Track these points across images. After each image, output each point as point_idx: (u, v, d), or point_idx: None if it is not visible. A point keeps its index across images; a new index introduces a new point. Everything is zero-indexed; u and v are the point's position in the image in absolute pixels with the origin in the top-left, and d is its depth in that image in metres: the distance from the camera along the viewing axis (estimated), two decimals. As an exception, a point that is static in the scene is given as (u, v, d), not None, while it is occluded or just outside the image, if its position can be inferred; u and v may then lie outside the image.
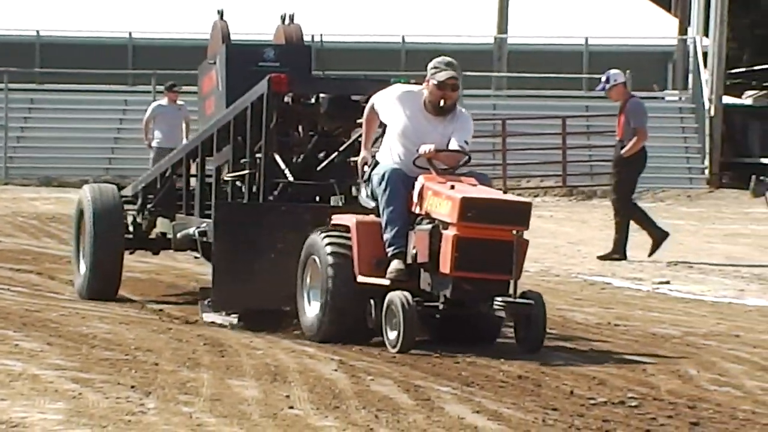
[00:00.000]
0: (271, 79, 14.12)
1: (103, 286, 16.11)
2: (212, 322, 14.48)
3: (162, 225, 16.78)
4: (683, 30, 49.81)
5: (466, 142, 13.37)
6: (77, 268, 16.66)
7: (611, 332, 14.87)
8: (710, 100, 46.30)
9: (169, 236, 16.46)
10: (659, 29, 51.97)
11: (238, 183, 15.00)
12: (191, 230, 15.41)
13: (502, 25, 49.14)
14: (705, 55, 47.35)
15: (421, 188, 12.88)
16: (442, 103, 13.21)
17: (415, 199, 12.98)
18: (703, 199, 42.16)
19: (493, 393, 10.77)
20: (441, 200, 12.72)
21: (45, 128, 44.79)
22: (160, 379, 10.98)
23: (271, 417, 9.73)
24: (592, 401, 10.78)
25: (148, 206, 16.92)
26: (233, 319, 14.25)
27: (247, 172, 14.64)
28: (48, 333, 13.10)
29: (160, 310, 15.49)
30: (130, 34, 47.47)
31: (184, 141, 35.13)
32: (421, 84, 13.50)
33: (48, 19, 47.38)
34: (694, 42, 48.12)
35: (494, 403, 10.43)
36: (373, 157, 13.58)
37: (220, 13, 16.91)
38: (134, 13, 48.83)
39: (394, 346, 12.64)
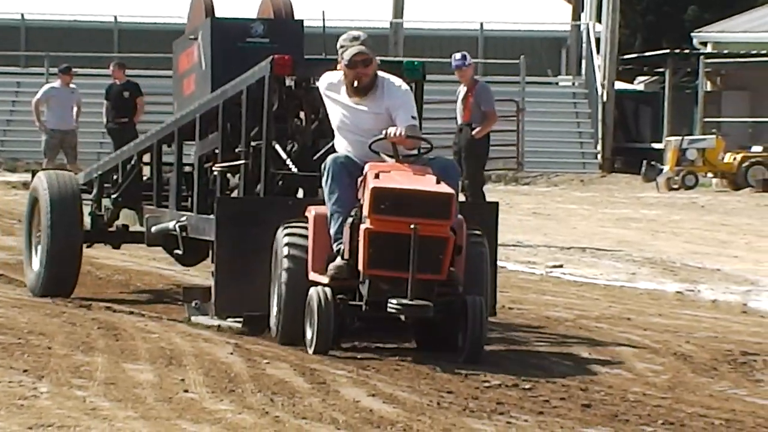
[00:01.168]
0: (275, 61, 12.78)
1: (60, 282, 14.86)
2: (199, 323, 13.47)
3: (126, 217, 15.62)
4: (576, 16, 50.05)
5: (414, 117, 12.33)
6: (29, 262, 15.46)
7: (505, 315, 14.88)
8: (603, 86, 46.56)
9: (133, 229, 15.56)
10: (553, 15, 52.23)
11: (228, 174, 13.84)
12: (170, 224, 14.22)
13: (398, 10, 49.26)
14: (598, 41, 47.61)
15: (364, 176, 11.78)
16: (356, 83, 12.27)
17: (359, 188, 11.91)
18: (596, 183, 42.38)
19: (388, 376, 10.78)
20: (366, 189, 11.66)
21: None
22: (53, 363, 10.92)
23: (166, 401, 9.69)
24: (486, 384, 10.81)
25: (112, 196, 15.61)
26: (234, 323, 13.20)
27: (241, 162, 13.32)
28: (-60, 317, 13.02)
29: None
30: (22, 15, 47.21)
31: (74, 124, 35.25)
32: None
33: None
34: (587, 28, 48.37)
35: (389, 387, 10.43)
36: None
37: None
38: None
39: (310, 346, 11.77)
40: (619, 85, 48.25)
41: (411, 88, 12.87)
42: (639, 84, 52.08)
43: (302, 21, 15.13)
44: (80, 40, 44.67)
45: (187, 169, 14.92)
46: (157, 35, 46.94)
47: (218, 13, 15.15)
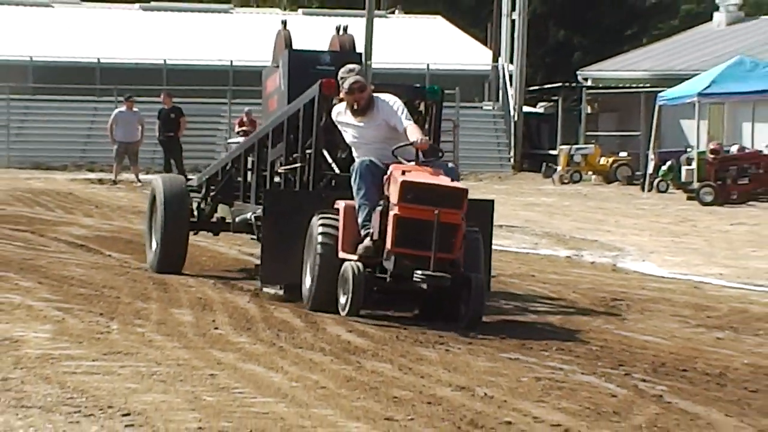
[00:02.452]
0: (322, 84, 11.98)
1: (171, 260, 13.98)
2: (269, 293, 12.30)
3: (222, 211, 14.62)
4: (496, 58, 49.90)
5: (408, 118, 11.50)
6: (149, 245, 14.54)
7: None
8: (514, 109, 46.82)
9: (228, 220, 14.49)
10: (479, 58, 52.01)
11: (290, 175, 12.73)
12: (248, 215, 13.41)
13: (368, 54, 49.09)
14: (510, 77, 47.63)
15: (389, 174, 10.92)
16: (355, 106, 11.50)
17: (384, 183, 11.01)
18: (509, 179, 42.37)
19: (362, 318, 10.74)
20: (392, 184, 10.81)
21: (37, 127, 44.65)
22: (120, 308, 10.89)
23: (201, 335, 9.69)
24: (430, 326, 10.76)
25: (211, 194, 14.68)
26: (280, 291, 12.18)
27: (298, 165, 12.37)
28: (39, 275, 12.95)
29: (126, 262, 15.32)
30: (98, 59, 47.10)
31: (137, 137, 35.31)
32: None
33: (39, 47, 47.00)
34: (503, 68, 48.30)
35: (362, 326, 10.42)
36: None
37: (284, 24, 14.97)
38: (101, 42, 48.48)
39: (343, 309, 10.83)
40: (526, 108, 48.31)
41: (431, 108, 12.46)
42: (540, 107, 52.00)
43: (361, 54, 14.78)
44: (139, 77, 44.46)
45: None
46: (194, 73, 46.82)
47: (295, 46, 14.50)
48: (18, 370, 7.91)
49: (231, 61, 47.57)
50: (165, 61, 47.52)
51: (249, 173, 14.01)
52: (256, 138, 13.91)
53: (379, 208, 10.86)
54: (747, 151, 33.19)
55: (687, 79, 37.38)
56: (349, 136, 11.66)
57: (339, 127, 11.74)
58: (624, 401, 7.58)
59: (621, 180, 38.79)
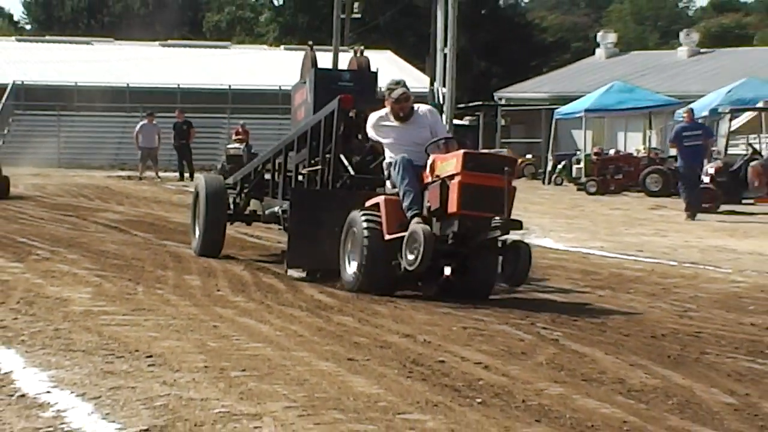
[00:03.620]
0: (341, 99, 11.26)
1: (212, 246, 12.98)
2: (294, 276, 11.28)
3: (253, 205, 13.85)
4: (432, 83, 49.92)
5: (447, 131, 10.84)
6: (193, 233, 13.49)
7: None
8: (447, 122, 46.87)
9: (259, 213, 13.74)
10: (418, 82, 52.01)
11: (312, 176, 11.95)
12: (276, 209, 12.72)
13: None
14: (443, 97, 47.67)
15: (432, 162, 10.06)
16: (401, 113, 10.54)
17: (427, 171, 10.08)
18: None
19: (332, 281, 10.71)
20: (448, 161, 9.88)
21: (80, 136, 44.88)
22: (145, 275, 10.85)
23: (206, 296, 9.66)
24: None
25: (244, 191, 13.81)
26: (303, 274, 11.28)
27: (319, 167, 11.60)
28: (82, 250, 12.90)
29: (149, 240, 15.23)
30: (128, 84, 47.08)
31: (156, 144, 35.52)
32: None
33: (82, 75, 47.03)
34: (438, 90, 48.33)
35: (332, 288, 10.40)
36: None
37: (311, 46, 13.99)
38: (130, 71, 48.46)
39: (411, 265, 9.63)
40: (456, 121, 48.39)
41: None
42: (466, 120, 52.05)
43: (377, 72, 13.73)
44: (158, 97, 44.53)
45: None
46: (201, 94, 46.78)
47: (321, 65, 13.93)
48: (66, 323, 7.89)
49: (230, 86, 48.18)
50: (179, 85, 47.93)
51: (277, 174, 13.24)
52: (283, 144, 13.08)
53: (434, 185, 9.84)
54: (621, 153, 33.63)
55: (577, 99, 37.74)
56: (389, 138, 10.66)
57: (378, 130, 10.74)
58: (530, 344, 7.60)
59: (527, 176, 38.94)
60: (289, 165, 12.81)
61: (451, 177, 9.75)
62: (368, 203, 10.39)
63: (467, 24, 54.14)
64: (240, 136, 38.30)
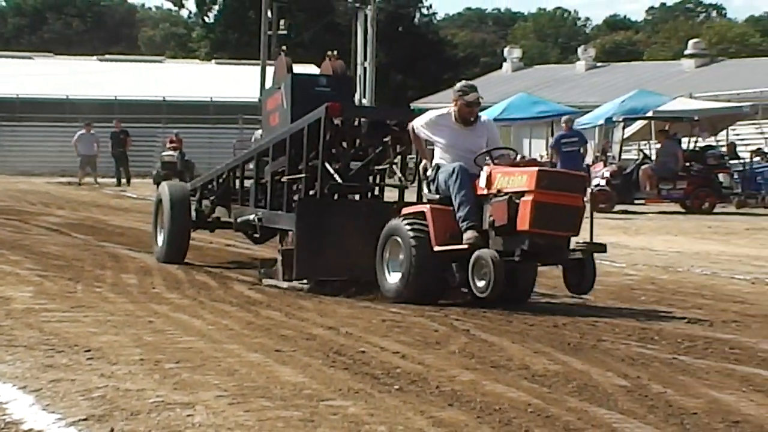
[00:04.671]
0: (328, 107, 10.28)
1: (176, 253, 12.25)
2: (271, 285, 10.57)
3: (219, 212, 12.76)
4: (353, 94, 50.17)
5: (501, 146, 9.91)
6: (156, 240, 12.70)
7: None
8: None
9: (223, 220, 12.64)
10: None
11: (293, 184, 10.96)
12: (251, 217, 11.53)
13: (263, 87, 48.90)
14: (363, 108, 47.94)
15: (489, 174, 9.17)
16: (470, 118, 9.64)
17: (482, 184, 9.19)
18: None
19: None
20: (515, 176, 9.01)
21: (22, 145, 44.48)
22: (84, 274, 10.73)
23: (143, 293, 9.57)
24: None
25: (210, 198, 12.76)
26: (297, 284, 10.26)
27: (303, 176, 10.62)
28: (25, 251, 12.72)
29: (89, 241, 15.04)
30: (67, 96, 46.59)
31: (95, 151, 35.28)
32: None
33: (24, 87, 46.46)
34: (360, 100, 48.38)
35: (259, 285, 10.32)
36: (437, 165, 9.68)
37: (284, 51, 12.82)
38: (69, 84, 47.93)
39: (482, 292, 8.82)
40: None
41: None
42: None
43: (353, 77, 12.92)
44: (97, 108, 44.13)
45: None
46: (137, 105, 46.36)
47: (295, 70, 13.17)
48: (8, 320, 7.76)
49: (164, 97, 47.94)
50: (116, 97, 47.60)
51: (244, 181, 12.32)
52: (255, 152, 12.12)
53: (500, 200, 8.97)
54: (526, 158, 33.86)
55: (486, 109, 37.84)
56: (445, 138, 9.66)
57: (433, 129, 9.73)
58: (443, 334, 7.62)
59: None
60: (263, 173, 11.85)
61: (522, 194, 8.91)
62: (406, 211, 9.53)
63: (385, 40, 54.25)
64: (174, 144, 38.08)
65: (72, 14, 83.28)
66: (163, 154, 38.32)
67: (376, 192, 11.22)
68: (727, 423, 5.23)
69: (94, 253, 13.00)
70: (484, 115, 10.07)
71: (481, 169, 9.32)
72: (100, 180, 34.48)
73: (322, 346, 6.97)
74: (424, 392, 5.69)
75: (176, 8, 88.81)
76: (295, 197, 10.71)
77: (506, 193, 8.96)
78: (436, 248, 9.11)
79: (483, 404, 5.42)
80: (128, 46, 77.60)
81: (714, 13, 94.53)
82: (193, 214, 12.73)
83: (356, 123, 10.86)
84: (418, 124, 9.81)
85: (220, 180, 12.78)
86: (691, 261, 13.60)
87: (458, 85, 9.81)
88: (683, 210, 24.14)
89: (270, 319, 8.18)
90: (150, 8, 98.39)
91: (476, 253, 8.86)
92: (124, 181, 34.63)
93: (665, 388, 5.92)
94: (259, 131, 28.31)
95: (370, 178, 11.01)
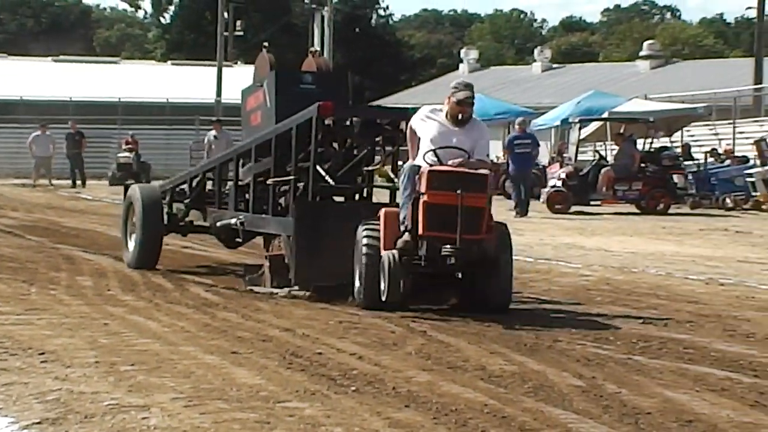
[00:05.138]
0: (320, 106, 9.67)
1: (147, 258, 11.67)
2: (256, 291, 10.03)
3: (193, 215, 12.18)
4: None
5: (487, 155, 9.25)
6: (126, 245, 12.07)
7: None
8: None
9: (197, 223, 12.11)
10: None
11: (278, 187, 10.44)
12: (233, 221, 10.91)
13: (219, 91, 48.68)
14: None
15: (420, 173, 8.75)
16: (460, 116, 9.05)
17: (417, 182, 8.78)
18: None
19: (218, 282, 10.61)
20: (421, 177, 8.66)
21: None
22: (38, 276, 10.65)
23: (98, 295, 9.52)
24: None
25: (185, 201, 12.14)
26: (283, 291, 9.74)
27: (292, 177, 10.08)
28: (-21, 254, 12.62)
29: (43, 243, 14.91)
30: (21, 97, 46.27)
31: (50, 153, 35.01)
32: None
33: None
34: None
35: (216, 287, 10.28)
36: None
37: (266, 48, 12.00)
38: (23, 85, 47.58)
39: (383, 295, 8.60)
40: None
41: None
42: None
43: (347, 73, 11.94)
44: (51, 109, 43.75)
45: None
46: (92, 106, 46.04)
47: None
48: (-38, 324, 7.68)
49: (119, 98, 47.69)
50: (71, 98, 47.31)
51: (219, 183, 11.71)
52: (234, 153, 11.49)
53: (412, 198, 8.70)
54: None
55: (442, 110, 38.04)
56: (431, 134, 9.10)
57: (422, 122, 9.22)
58: (400, 336, 7.63)
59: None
60: (242, 174, 11.24)
61: (420, 196, 8.60)
62: (380, 214, 9.05)
63: (342, 41, 54.27)
64: (129, 146, 37.98)
65: (26, 15, 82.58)
66: (119, 155, 38.19)
67: (370, 193, 10.72)
68: (680, 422, 5.28)
69: (49, 255, 12.90)
70: (481, 120, 9.65)
71: None
72: (54, 181, 34.22)
73: (279, 348, 6.96)
74: (381, 393, 5.69)
75: (132, 9, 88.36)
76: (281, 200, 10.33)
77: (418, 194, 8.64)
78: (383, 252, 8.69)
79: (439, 405, 5.43)
80: (83, 47, 77.04)
81: (668, 15, 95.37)
82: (165, 217, 12.16)
83: (348, 122, 10.32)
84: (415, 119, 9.35)
85: (194, 182, 12.22)
86: (646, 261, 13.70)
87: (454, 81, 9.37)
88: (638, 211, 24.32)
89: (226, 321, 8.16)
90: (105, 9, 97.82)
91: (382, 254, 8.61)
92: (79, 182, 34.40)
93: (620, 388, 5.97)
94: (212, 132, 28.39)
95: (359, 179, 10.49)
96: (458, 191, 8.36)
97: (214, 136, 28.30)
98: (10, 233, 16.19)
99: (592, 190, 24.62)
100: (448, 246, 8.38)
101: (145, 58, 70.75)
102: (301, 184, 10.01)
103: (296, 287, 9.68)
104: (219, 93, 48.90)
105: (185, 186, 12.33)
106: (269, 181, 10.43)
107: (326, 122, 9.98)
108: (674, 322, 8.70)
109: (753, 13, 47.21)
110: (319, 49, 11.13)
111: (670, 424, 5.25)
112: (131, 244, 11.95)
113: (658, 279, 11.85)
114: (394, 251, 8.54)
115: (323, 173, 9.94)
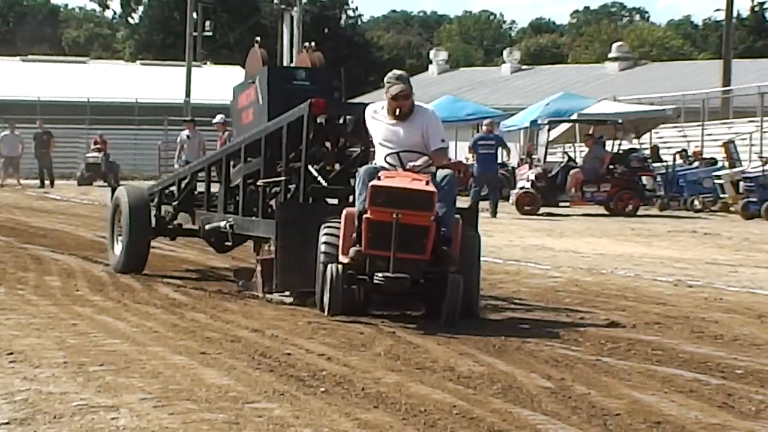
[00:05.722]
0: (312, 104, 9.22)
1: (134, 262, 11.23)
2: (250, 295, 9.69)
3: (181, 218, 11.68)
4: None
5: (443, 140, 8.85)
6: (112, 248, 11.63)
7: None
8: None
9: (186, 227, 11.64)
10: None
11: (268, 188, 10.02)
12: (222, 224, 10.47)
13: (188, 91, 48.57)
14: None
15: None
16: (397, 112, 8.66)
17: None
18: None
19: (185, 283, 10.57)
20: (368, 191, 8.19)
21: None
22: (7, 276, 10.58)
23: (66, 295, 9.46)
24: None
25: (173, 204, 11.68)
26: (280, 296, 9.31)
27: (283, 179, 9.65)
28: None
29: (11, 243, 14.82)
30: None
31: (19, 152, 34.71)
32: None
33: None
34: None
35: (184, 288, 10.24)
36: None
37: (258, 43, 11.53)
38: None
39: (327, 308, 8.23)
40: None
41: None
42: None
43: (341, 69, 11.19)
44: (19, 109, 43.54)
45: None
46: (61, 106, 45.81)
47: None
48: (-72, 324, 7.62)
49: (88, 98, 47.51)
50: (39, 98, 47.08)
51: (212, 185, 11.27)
52: (223, 154, 11.12)
53: (359, 213, 8.27)
54: (452, 161, 34.01)
55: (412, 111, 38.05)
56: (379, 135, 8.82)
57: (369, 124, 8.93)
58: (369, 337, 7.63)
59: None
60: (232, 175, 10.84)
61: (365, 211, 8.16)
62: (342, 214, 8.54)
63: (311, 42, 54.15)
64: (98, 146, 37.82)
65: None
66: (88, 155, 38.03)
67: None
68: (649, 423, 5.31)
69: (16, 255, 12.82)
70: (425, 105, 9.16)
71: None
72: (22, 181, 34.04)
73: (247, 349, 6.95)
74: (350, 394, 5.70)
75: (100, 9, 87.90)
76: (272, 202, 9.93)
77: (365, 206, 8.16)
78: (341, 258, 8.24)
79: (408, 406, 5.44)
80: (52, 46, 76.63)
81: (637, 17, 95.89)
82: (153, 220, 11.70)
83: (341, 120, 9.87)
84: (366, 118, 8.99)
85: (182, 184, 11.75)
86: (614, 263, 13.77)
87: (387, 75, 8.88)
88: (607, 212, 24.44)
89: (195, 322, 8.13)
90: (74, 9, 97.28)
91: (327, 268, 8.18)
92: (47, 182, 34.21)
93: (589, 390, 6.00)
94: (185, 132, 28.30)
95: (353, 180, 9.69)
96: (394, 212, 7.93)
97: (187, 136, 28.19)
98: (-24, 233, 16.08)
99: (560, 191, 24.74)
100: (380, 274, 7.99)
101: (114, 58, 70.44)
102: (293, 185, 9.62)
103: (286, 293, 9.28)
104: (188, 93, 48.79)
105: (174, 188, 11.91)
106: (259, 183, 10.04)
107: (318, 120, 9.56)
108: (642, 323, 8.75)
109: (721, 16, 47.50)
110: (314, 44, 11.05)
111: (638, 425, 5.28)
112: (117, 248, 11.54)
113: (626, 281, 11.92)
114: (338, 265, 8.12)
115: (315, 174, 9.53)
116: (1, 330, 7.40)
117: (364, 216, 8.10)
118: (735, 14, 39.95)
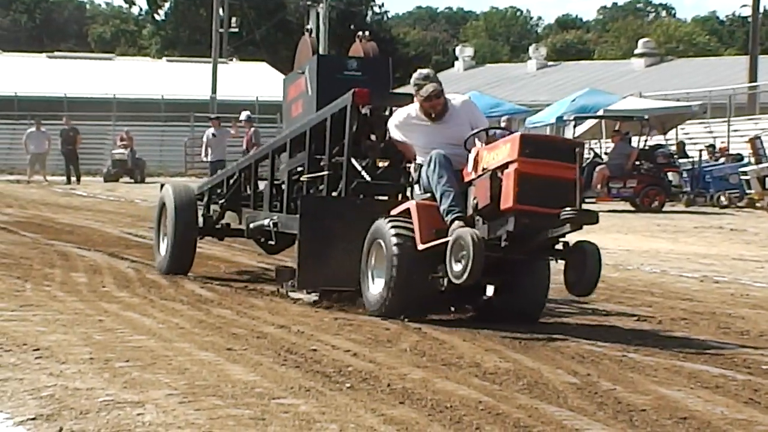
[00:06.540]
0: (355, 93, 8.85)
1: (180, 263, 10.85)
2: (299, 299, 9.18)
3: (228, 218, 11.32)
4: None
5: (484, 122, 8.63)
6: (158, 249, 11.23)
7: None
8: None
9: (233, 226, 11.21)
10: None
11: (312, 184, 9.59)
12: (266, 222, 10.16)
13: (214, 87, 48.70)
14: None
15: (476, 154, 7.88)
16: (432, 113, 8.42)
17: (469, 167, 7.91)
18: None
19: (201, 281, 10.59)
20: (499, 149, 7.63)
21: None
22: (33, 273, 10.62)
23: (93, 292, 9.49)
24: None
25: (220, 202, 11.33)
26: (314, 296, 9.00)
27: (326, 173, 9.20)
28: (-27, 250, 12.59)
29: (37, 240, 14.89)
30: (16, 93, 46.25)
31: (45, 149, 34.95)
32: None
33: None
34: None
35: (210, 283, 10.27)
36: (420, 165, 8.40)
37: (309, 31, 11.15)
38: (18, 81, 47.56)
39: (458, 277, 7.52)
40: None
41: None
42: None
43: (389, 59, 10.60)
44: (46, 106, 43.81)
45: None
46: (87, 103, 46.05)
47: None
48: (-44, 320, 7.67)
49: (114, 95, 47.70)
50: (65, 94, 47.35)
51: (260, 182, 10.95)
52: (269, 149, 10.69)
53: (482, 178, 7.69)
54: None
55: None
56: (421, 139, 8.50)
57: (405, 130, 8.62)
58: (394, 333, 7.63)
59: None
60: (278, 172, 10.47)
61: (505, 166, 7.51)
62: (395, 211, 8.30)
63: (337, 38, 54.26)
64: (124, 142, 37.97)
65: (20, 11, 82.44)
66: (114, 152, 38.21)
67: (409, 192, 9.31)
68: (675, 419, 5.29)
69: (43, 251, 12.88)
70: (458, 97, 8.77)
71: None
72: (49, 178, 34.26)
73: (274, 345, 6.96)
74: (375, 390, 5.70)
75: (127, 5, 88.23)
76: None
77: (490, 170, 7.64)
78: (420, 246, 7.90)
79: (434, 402, 5.44)
80: (78, 43, 77.02)
81: (663, 13, 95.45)
82: (201, 220, 11.29)
83: (388, 112, 9.24)
84: (390, 127, 8.78)
85: (230, 182, 11.35)
86: (640, 259, 13.71)
87: (413, 77, 8.58)
88: (633, 209, 24.35)
89: (221, 318, 8.15)
90: (100, 5, 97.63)
91: (455, 233, 7.58)
92: (73, 179, 34.39)
93: (614, 385, 5.98)
94: (211, 130, 28.37)
95: (402, 177, 9.18)
96: (562, 161, 7.39)
97: (213, 134, 28.27)
98: (4, 229, 16.16)
99: (586, 187, 24.66)
100: (569, 209, 7.34)
101: (140, 55, 70.72)
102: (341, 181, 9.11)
103: (317, 293, 8.97)
104: (214, 90, 48.92)
105: (224, 187, 11.49)
106: (303, 178, 9.67)
107: (363, 111, 9.04)
108: (669, 319, 8.72)
109: (747, 11, 47.17)
110: (368, 33, 10.66)
111: (664, 421, 5.26)
112: (163, 248, 11.12)
113: (652, 276, 11.87)
114: (473, 230, 7.56)
115: (360, 169, 9.06)
116: (28, 326, 7.44)
117: (510, 169, 7.42)
118: (761, 10, 39.69)
